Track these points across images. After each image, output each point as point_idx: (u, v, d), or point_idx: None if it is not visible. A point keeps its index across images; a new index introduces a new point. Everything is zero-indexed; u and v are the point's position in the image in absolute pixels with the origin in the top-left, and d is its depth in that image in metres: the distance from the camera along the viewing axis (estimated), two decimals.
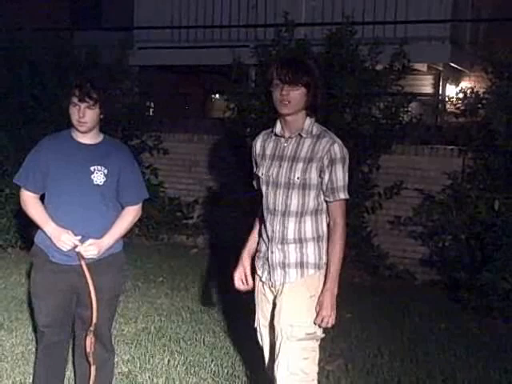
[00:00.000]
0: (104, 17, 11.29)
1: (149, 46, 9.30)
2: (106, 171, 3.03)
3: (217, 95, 11.90)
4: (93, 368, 3.10)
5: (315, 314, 2.76)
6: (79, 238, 2.99)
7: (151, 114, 8.29)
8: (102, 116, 3.05)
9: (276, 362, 2.80)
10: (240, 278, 3.00)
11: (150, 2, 9.59)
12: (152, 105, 8.51)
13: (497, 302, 4.92)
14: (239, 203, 6.25)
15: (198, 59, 9.17)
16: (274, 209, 2.80)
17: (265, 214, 2.86)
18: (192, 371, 3.88)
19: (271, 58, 6.21)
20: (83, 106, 2.97)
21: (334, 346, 4.20)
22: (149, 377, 3.79)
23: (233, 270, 3.04)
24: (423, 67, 8.90)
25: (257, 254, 2.98)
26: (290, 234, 2.78)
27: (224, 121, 6.79)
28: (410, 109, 6.14)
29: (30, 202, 3.09)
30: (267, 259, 2.86)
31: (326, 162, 2.71)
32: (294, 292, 2.78)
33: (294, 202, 2.76)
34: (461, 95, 5.73)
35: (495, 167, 5.43)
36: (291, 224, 2.78)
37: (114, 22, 10.12)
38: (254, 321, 3.01)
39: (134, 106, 7.15)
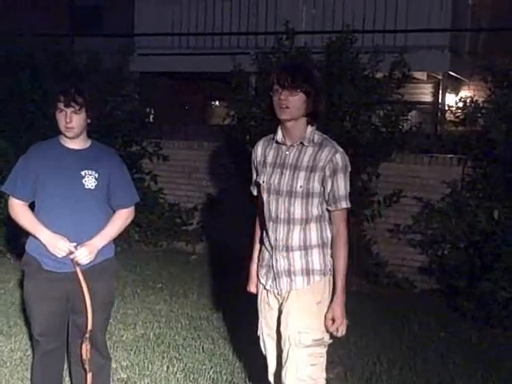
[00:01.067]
0: (105, 23, 11.32)
1: (149, 53, 9.34)
2: (96, 175, 3.04)
3: (216, 102, 11.93)
4: (89, 375, 3.09)
5: (322, 320, 2.77)
6: (74, 244, 2.98)
7: (151, 120, 8.30)
8: (88, 121, 3.06)
9: (284, 369, 2.81)
10: (255, 288, 3.03)
11: (150, 9, 9.64)
12: (152, 111, 8.52)
13: (496, 310, 4.92)
14: (238, 209, 6.26)
15: (198, 66, 9.20)
16: (277, 217, 2.80)
17: (266, 221, 2.85)
18: (191, 378, 3.88)
19: (271, 65, 6.23)
20: (69, 111, 2.98)
21: (332, 353, 4.19)
22: (147, 383, 3.78)
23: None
24: (423, 76, 8.95)
25: (259, 263, 2.98)
26: (295, 241, 2.79)
27: (224, 128, 6.81)
28: (409, 117, 6.15)
29: (20, 210, 3.07)
30: (272, 267, 2.86)
31: (328, 172, 2.72)
32: (300, 299, 2.78)
33: (298, 211, 2.76)
34: (460, 104, 5.75)
35: (494, 176, 5.44)
36: (296, 231, 2.78)
37: (115, 28, 10.14)
38: (256, 329, 3.01)
39: (134, 113, 7.17)
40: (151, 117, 8.38)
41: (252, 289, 3.04)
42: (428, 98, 9.81)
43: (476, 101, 5.70)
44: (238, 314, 4.51)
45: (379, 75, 6.11)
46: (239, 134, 6.46)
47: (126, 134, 7.04)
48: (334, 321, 2.76)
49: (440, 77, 8.81)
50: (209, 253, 6.95)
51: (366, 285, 6.01)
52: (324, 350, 2.83)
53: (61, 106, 2.99)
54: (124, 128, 6.97)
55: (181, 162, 7.29)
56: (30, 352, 4.07)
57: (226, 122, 6.60)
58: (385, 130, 6.04)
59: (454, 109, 5.89)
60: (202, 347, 4.35)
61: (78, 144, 3.08)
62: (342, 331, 2.79)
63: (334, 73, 5.88)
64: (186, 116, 10.85)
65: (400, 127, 6.05)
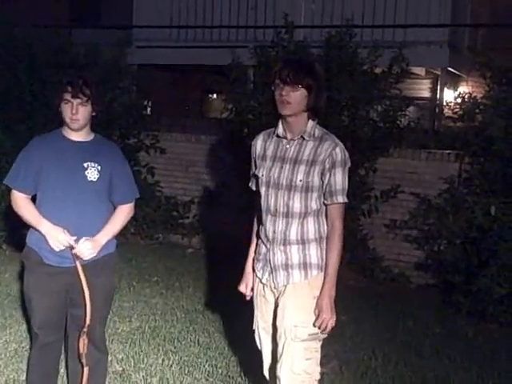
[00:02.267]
0: (103, 15, 11.28)
1: (147, 45, 9.30)
2: (99, 168, 3.01)
3: (214, 95, 11.91)
4: (85, 369, 3.08)
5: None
6: (75, 238, 2.96)
7: (149, 112, 8.27)
8: (93, 113, 3.03)
9: (279, 363, 2.80)
10: (246, 288, 3.01)
11: (149, 1, 9.59)
12: (150, 104, 8.49)
13: (492, 306, 4.93)
14: (235, 203, 6.25)
15: (196, 59, 9.17)
16: (276, 210, 2.79)
17: (264, 215, 2.84)
18: (186, 371, 3.88)
19: (270, 59, 6.21)
20: (76, 102, 2.95)
21: (328, 347, 4.19)
22: (143, 376, 3.78)
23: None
24: (421, 71, 8.93)
25: (255, 256, 2.96)
26: (293, 235, 2.78)
27: (222, 121, 6.79)
28: (407, 113, 6.14)
29: (22, 203, 3.04)
30: (268, 261, 2.85)
31: (327, 165, 2.71)
32: (297, 293, 2.77)
33: (297, 204, 2.75)
34: (459, 100, 5.74)
35: (492, 172, 5.44)
36: (294, 225, 2.77)
37: (113, 20, 10.10)
38: (251, 323, 3.00)
39: (131, 105, 7.15)
40: (149, 109, 8.35)
41: (242, 289, 3.02)
42: (426, 94, 9.80)
43: (474, 97, 5.68)
44: (233, 308, 4.49)
45: (378, 70, 6.10)
46: (237, 128, 6.45)
47: (124, 126, 7.02)
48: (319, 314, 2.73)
49: (439, 72, 8.79)
50: (205, 246, 6.94)
51: (361, 280, 6.01)
52: (319, 345, 2.83)
53: (67, 96, 2.95)
54: (121, 120, 6.95)
55: (178, 154, 7.27)
56: (24, 344, 4.07)
57: (223, 115, 6.59)
58: (383, 125, 6.03)
59: (452, 105, 5.88)
60: (198, 340, 4.35)
61: (81, 136, 3.05)
62: (329, 326, 2.74)
63: (332, 67, 5.86)
64: (183, 109, 10.83)
65: (398, 122, 6.04)
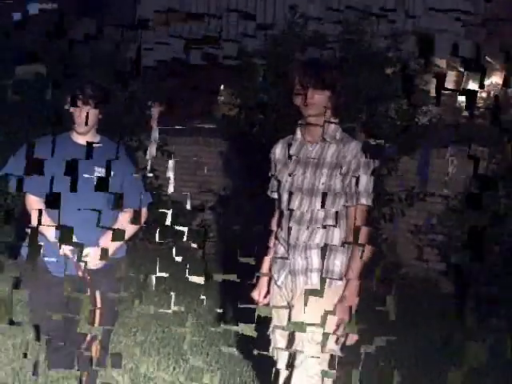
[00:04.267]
0: (107, 11, 11.40)
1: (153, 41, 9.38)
2: (105, 171, 3.10)
3: (222, 88, 11.95)
4: (97, 374, 3.17)
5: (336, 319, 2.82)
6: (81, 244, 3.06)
7: (155, 113, 8.34)
8: (100, 116, 3.17)
9: (293, 366, 2.87)
10: (259, 295, 3.07)
11: None
12: (155, 103, 8.56)
13: None
14: (245, 207, 6.32)
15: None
16: (298, 215, 2.86)
17: (285, 220, 2.91)
18: (197, 381, 3.95)
19: (281, 52, 6.25)
20: (84, 106, 3.10)
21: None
22: None
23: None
24: (444, 63, 8.93)
25: (271, 258, 3.04)
26: (316, 240, 2.85)
27: (230, 121, 6.82)
28: (430, 108, 6.15)
29: (35, 206, 3.16)
30: (288, 265, 2.92)
31: (352, 167, 2.79)
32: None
33: (320, 209, 2.82)
34: (483, 94, 5.76)
35: None
36: (317, 230, 2.84)
37: (117, 15, 10.23)
38: (265, 328, 3.06)
39: (136, 105, 7.23)
40: (155, 109, 8.42)
41: (255, 295, 3.08)
42: (450, 87, 9.79)
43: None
44: (245, 315, 4.58)
45: (398, 64, 6.12)
46: (246, 128, 6.48)
47: (129, 127, 7.10)
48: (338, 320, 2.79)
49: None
50: (214, 251, 7.01)
51: (380, 286, 6.03)
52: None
53: (75, 101, 3.09)
54: (126, 121, 7.03)
55: (186, 157, 7.34)
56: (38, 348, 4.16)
57: (232, 112, 6.63)
58: (403, 123, 6.04)
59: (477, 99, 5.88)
60: (208, 349, 4.42)
61: (88, 139, 3.16)
62: (343, 332, 2.79)
63: (348, 59, 5.90)
64: (191, 109, 10.89)
65: (420, 118, 6.05)
